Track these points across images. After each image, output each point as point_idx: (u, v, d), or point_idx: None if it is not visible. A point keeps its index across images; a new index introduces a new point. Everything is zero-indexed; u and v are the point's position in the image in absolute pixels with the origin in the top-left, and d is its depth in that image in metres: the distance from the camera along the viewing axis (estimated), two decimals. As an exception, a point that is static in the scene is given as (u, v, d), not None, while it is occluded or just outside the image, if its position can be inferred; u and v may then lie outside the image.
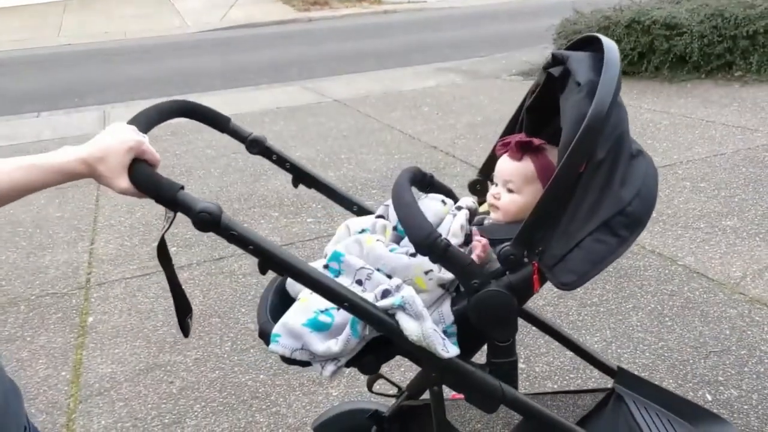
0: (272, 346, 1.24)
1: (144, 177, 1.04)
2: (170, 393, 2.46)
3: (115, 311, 3.05)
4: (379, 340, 1.22)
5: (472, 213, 1.41)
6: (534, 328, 2.22)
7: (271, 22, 14.11)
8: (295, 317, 1.25)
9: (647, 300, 2.84)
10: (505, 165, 1.35)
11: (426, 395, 1.54)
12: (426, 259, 1.23)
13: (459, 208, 1.41)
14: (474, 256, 1.21)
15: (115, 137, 1.04)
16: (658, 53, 6.50)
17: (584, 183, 1.15)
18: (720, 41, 6.25)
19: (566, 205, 1.16)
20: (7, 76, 9.83)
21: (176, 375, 2.56)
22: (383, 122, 5.98)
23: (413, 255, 1.27)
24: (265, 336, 1.28)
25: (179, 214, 1.09)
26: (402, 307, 1.16)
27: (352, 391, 2.39)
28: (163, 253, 1.15)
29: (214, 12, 15.32)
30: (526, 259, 1.18)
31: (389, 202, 1.45)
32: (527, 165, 1.32)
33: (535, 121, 1.44)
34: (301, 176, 1.55)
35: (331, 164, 4.86)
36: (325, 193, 1.58)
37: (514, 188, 1.32)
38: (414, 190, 1.32)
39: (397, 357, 1.32)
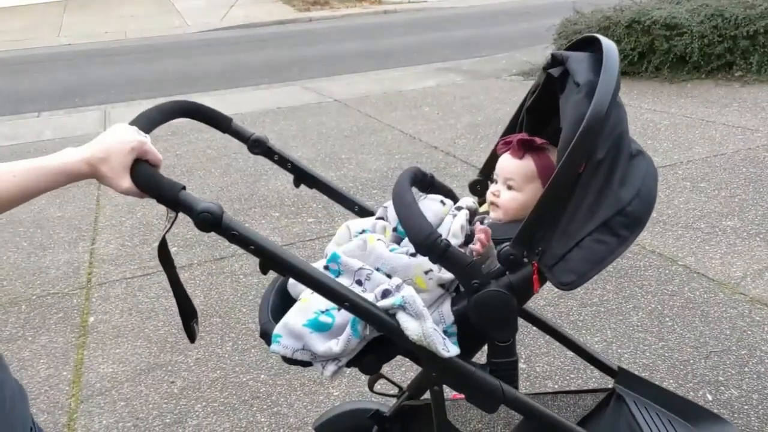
0: (273, 347, 1.25)
1: (146, 177, 1.05)
2: (171, 393, 2.46)
3: (116, 311, 3.05)
4: (380, 340, 1.23)
5: (473, 213, 1.42)
6: (534, 328, 2.23)
7: (272, 22, 14.11)
8: (295, 318, 1.25)
9: (648, 300, 2.84)
10: (507, 163, 1.35)
11: (427, 395, 1.55)
12: (426, 258, 1.23)
13: (459, 209, 1.41)
14: (476, 242, 1.21)
15: (117, 138, 1.04)
16: (659, 53, 6.49)
17: (584, 183, 1.16)
18: (720, 41, 6.25)
19: (566, 205, 1.16)
20: (8, 76, 9.84)
21: (177, 375, 2.56)
22: (384, 122, 5.98)
23: (413, 255, 1.27)
24: (266, 336, 1.28)
25: (180, 215, 1.09)
26: (402, 307, 1.16)
27: (353, 391, 2.40)
28: (164, 253, 1.15)
29: (214, 12, 15.33)
30: (525, 259, 1.18)
31: (388, 203, 1.46)
32: (528, 163, 1.32)
33: (535, 121, 1.45)
34: (302, 176, 1.55)
35: (331, 164, 4.87)
36: (326, 194, 1.58)
37: (515, 186, 1.33)
38: (414, 190, 1.32)
39: (398, 357, 1.32)
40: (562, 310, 2.81)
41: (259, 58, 10.18)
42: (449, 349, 1.18)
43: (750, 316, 2.67)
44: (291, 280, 1.35)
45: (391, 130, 5.71)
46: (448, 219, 1.38)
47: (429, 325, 1.16)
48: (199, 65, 9.95)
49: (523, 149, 1.32)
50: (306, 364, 1.26)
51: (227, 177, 4.76)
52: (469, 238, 1.36)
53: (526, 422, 1.41)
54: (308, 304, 1.28)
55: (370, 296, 1.21)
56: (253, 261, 3.27)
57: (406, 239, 1.33)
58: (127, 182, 1.04)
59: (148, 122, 1.17)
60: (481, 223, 1.39)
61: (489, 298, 1.16)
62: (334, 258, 1.31)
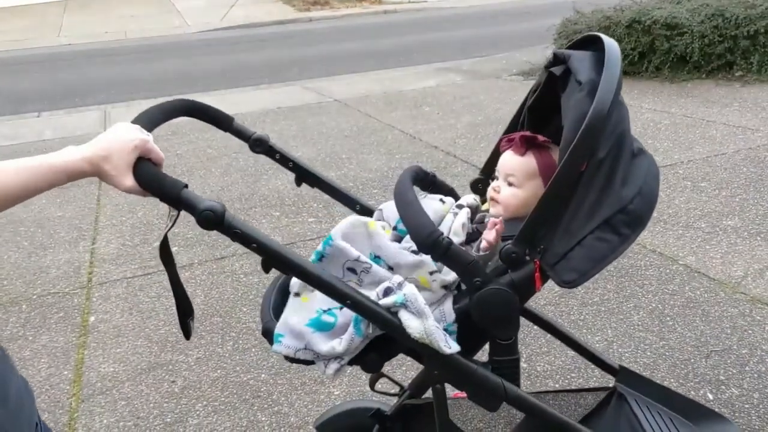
0: (275, 347, 1.25)
1: (148, 175, 1.05)
2: (172, 392, 2.46)
3: (117, 311, 3.05)
4: (382, 338, 1.23)
5: (474, 211, 1.42)
6: (535, 327, 2.23)
7: (272, 22, 14.11)
8: (297, 317, 1.25)
9: (648, 299, 2.84)
10: (508, 159, 1.35)
11: (428, 394, 1.55)
12: (430, 260, 1.23)
13: (460, 207, 1.41)
14: (491, 232, 1.21)
15: (119, 136, 1.04)
16: (659, 53, 6.50)
17: (585, 181, 1.16)
18: (721, 41, 6.25)
19: (568, 204, 1.17)
20: (8, 76, 9.84)
21: (178, 374, 2.56)
22: (384, 122, 5.98)
23: (415, 252, 1.27)
24: (268, 334, 1.28)
25: (182, 214, 1.09)
26: (404, 305, 1.16)
27: (354, 390, 2.40)
28: (165, 251, 1.15)
29: (214, 12, 15.33)
30: (527, 258, 1.18)
31: (383, 205, 1.46)
32: (530, 160, 1.32)
33: (537, 120, 1.45)
34: (303, 175, 1.55)
35: (332, 164, 4.87)
36: (327, 192, 1.58)
37: (516, 182, 1.33)
38: (416, 189, 1.32)
39: (400, 356, 1.32)
40: (563, 309, 2.81)
41: (259, 58, 10.18)
42: (451, 346, 1.18)
43: (751, 315, 2.67)
44: (293, 280, 1.35)
45: (392, 130, 5.71)
46: (449, 217, 1.38)
47: (431, 322, 1.16)
48: (199, 65, 9.95)
49: (526, 145, 1.33)
50: (308, 362, 1.26)
51: (228, 176, 4.76)
52: (470, 236, 1.36)
53: (527, 421, 1.41)
54: (309, 303, 1.28)
55: (371, 293, 1.21)
56: (254, 261, 3.31)
57: (406, 238, 1.33)
58: (129, 180, 1.04)
59: (150, 121, 1.17)
60: (482, 221, 1.39)
61: (491, 296, 1.17)
62: (327, 242, 1.29)
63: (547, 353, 2.52)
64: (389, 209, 1.44)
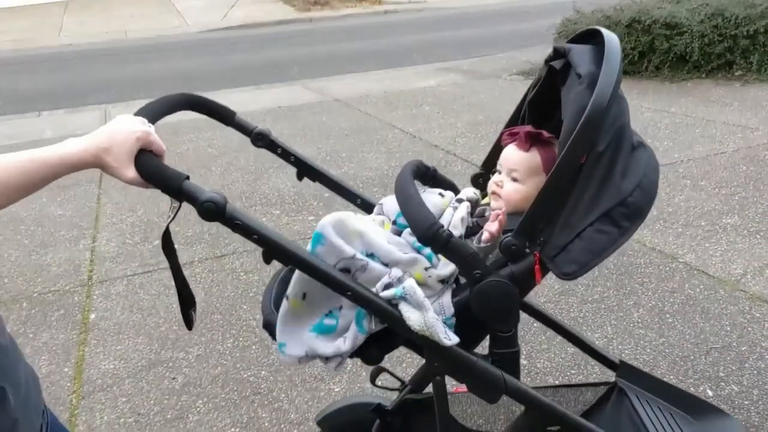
0: (282, 357, 1.26)
1: (150, 167, 1.05)
2: (172, 389, 2.47)
3: (117, 308, 3.05)
4: (382, 331, 1.23)
5: (474, 204, 1.42)
6: (536, 324, 2.23)
7: (272, 22, 14.11)
8: (299, 322, 1.25)
9: (648, 297, 2.85)
10: (512, 154, 1.35)
11: (429, 389, 1.55)
12: (425, 256, 1.23)
13: (460, 201, 1.41)
14: (494, 223, 1.22)
15: (121, 128, 1.05)
16: (659, 53, 6.51)
17: (585, 174, 1.16)
18: (720, 41, 6.27)
19: (567, 196, 1.17)
20: (9, 76, 9.84)
21: (178, 371, 2.57)
22: (384, 121, 5.99)
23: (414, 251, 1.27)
24: (269, 327, 1.29)
25: (183, 209, 1.09)
26: (404, 298, 1.17)
27: (354, 386, 2.40)
28: (167, 243, 1.15)
29: (214, 12, 15.33)
30: (527, 250, 1.18)
31: (383, 200, 1.46)
32: (534, 156, 1.32)
33: (538, 114, 1.45)
34: (305, 169, 1.55)
35: (332, 163, 4.87)
36: (328, 186, 1.58)
37: (519, 177, 1.33)
38: (417, 184, 1.32)
39: (400, 353, 1.33)
40: (563, 306, 2.81)
41: (260, 58, 10.19)
42: (450, 338, 1.18)
43: (750, 312, 2.67)
44: (290, 288, 1.34)
45: (392, 129, 5.71)
46: (449, 211, 1.38)
47: (431, 315, 1.16)
48: (200, 65, 9.96)
49: (530, 141, 1.33)
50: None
51: (228, 175, 4.77)
52: (470, 230, 1.36)
53: (525, 414, 1.41)
54: (309, 309, 1.26)
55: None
56: (254, 259, 3.31)
57: (406, 232, 1.33)
58: (131, 172, 1.04)
59: (152, 113, 1.18)
60: (482, 215, 1.40)
61: (491, 289, 1.17)
62: (318, 238, 1.24)
63: (547, 350, 2.52)
64: (389, 204, 1.44)
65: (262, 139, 1.49)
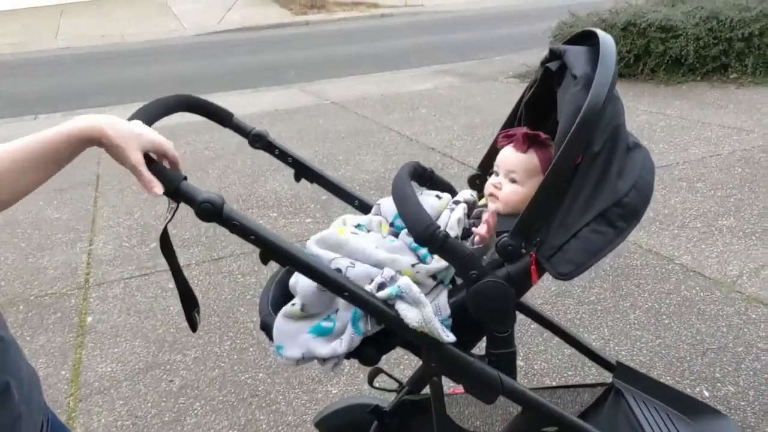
0: (279, 359, 1.27)
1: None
2: (170, 391, 2.46)
3: (114, 311, 3.05)
4: (379, 332, 1.24)
5: (471, 206, 1.42)
6: (533, 326, 2.24)
7: (269, 26, 14.13)
8: (296, 324, 1.26)
9: (645, 298, 2.85)
10: (510, 155, 1.35)
11: (426, 390, 1.55)
12: (409, 254, 1.24)
13: (457, 202, 1.42)
14: (482, 226, 1.22)
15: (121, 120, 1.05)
16: (654, 55, 6.53)
17: (581, 174, 1.17)
18: (715, 44, 6.29)
19: (563, 197, 1.17)
20: (5, 79, 9.84)
21: (176, 374, 2.56)
22: (381, 124, 6.00)
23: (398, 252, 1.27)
24: (266, 328, 1.29)
25: (180, 211, 1.09)
26: (400, 296, 1.17)
27: (351, 388, 2.40)
28: (165, 244, 1.15)
29: (211, 15, 15.35)
30: (524, 250, 1.19)
31: (381, 201, 1.47)
32: (532, 158, 1.33)
33: (534, 115, 1.46)
34: (303, 171, 1.56)
35: (329, 165, 4.87)
36: (326, 188, 1.59)
37: (518, 179, 1.33)
38: (414, 185, 1.33)
39: (398, 355, 1.33)
40: (560, 308, 2.82)
41: (257, 61, 10.20)
42: (449, 335, 1.19)
43: (746, 314, 2.68)
44: (291, 281, 1.35)
45: (389, 132, 5.72)
46: (446, 213, 1.38)
47: (428, 310, 1.17)
48: (197, 68, 9.96)
49: (528, 143, 1.33)
50: (307, 359, 1.27)
51: (225, 178, 4.77)
52: (466, 232, 1.37)
53: (522, 415, 1.41)
54: (306, 316, 1.27)
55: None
56: (251, 261, 3.31)
57: (403, 233, 1.34)
58: (137, 155, 1.03)
59: (149, 115, 1.18)
60: (478, 216, 1.40)
61: (487, 289, 1.17)
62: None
63: (544, 351, 2.53)
64: (386, 205, 1.44)
65: (259, 141, 1.50)
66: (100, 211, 4.33)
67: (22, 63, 11.27)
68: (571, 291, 2.92)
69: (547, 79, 1.38)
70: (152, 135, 1.07)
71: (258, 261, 1.17)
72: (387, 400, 1.73)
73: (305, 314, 1.26)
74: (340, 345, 1.22)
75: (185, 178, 1.06)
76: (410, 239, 1.27)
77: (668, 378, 2.33)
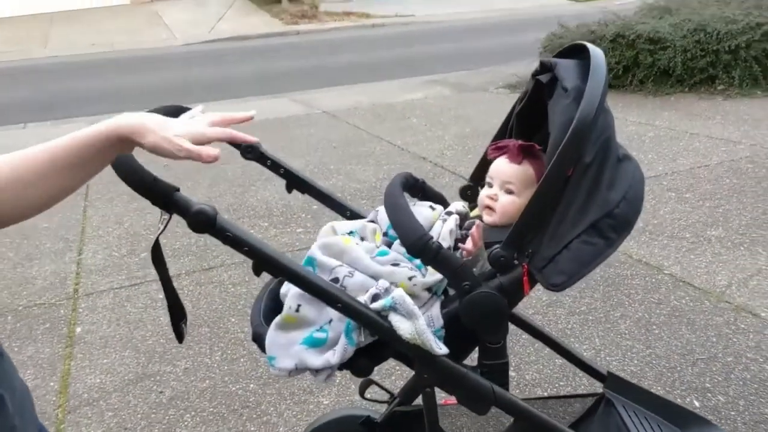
0: (272, 370, 1.27)
1: (140, 179, 1.05)
2: (160, 403, 2.44)
3: (104, 321, 3.03)
4: (372, 343, 1.24)
5: (463, 217, 1.43)
6: (524, 336, 2.24)
7: (259, 35, 14.15)
8: (289, 335, 1.25)
9: (635, 308, 2.87)
10: (504, 167, 1.36)
11: (418, 401, 1.55)
12: (407, 266, 1.24)
13: (449, 214, 1.43)
14: (468, 242, 1.23)
15: None
16: (643, 67, 6.60)
17: (572, 186, 1.18)
18: (703, 56, 6.36)
19: (555, 208, 1.18)
20: (-6, 88, 9.79)
21: (166, 385, 2.55)
22: (372, 133, 6.01)
23: (395, 265, 1.27)
24: (259, 340, 1.29)
25: (170, 221, 1.09)
26: (393, 308, 1.17)
27: (343, 399, 2.39)
28: (157, 255, 1.15)
29: (201, 25, 15.34)
30: (516, 262, 1.19)
31: (380, 208, 1.47)
32: (527, 168, 1.34)
33: (525, 127, 1.47)
34: (295, 182, 1.56)
35: (320, 175, 4.87)
36: (318, 198, 1.59)
37: (515, 189, 1.33)
38: (406, 196, 1.34)
39: (389, 366, 1.33)
40: (551, 318, 2.83)
41: (247, 71, 10.20)
42: (441, 347, 1.19)
43: (735, 323, 2.70)
44: (283, 290, 1.35)
45: (380, 142, 5.74)
46: (438, 224, 1.39)
47: (421, 322, 1.17)
48: (187, 78, 9.95)
49: (522, 154, 1.34)
50: (300, 370, 1.27)
51: (216, 187, 4.76)
52: (458, 243, 1.37)
53: (514, 425, 1.41)
54: (300, 322, 1.27)
55: (359, 300, 1.21)
56: (242, 271, 3.30)
57: (396, 243, 1.34)
58: (176, 128, 0.99)
59: None
60: (470, 227, 1.40)
61: (480, 300, 1.18)
62: (310, 262, 1.29)
63: (535, 362, 2.53)
64: (384, 213, 1.45)
65: (252, 152, 1.50)
66: (90, 220, 4.31)
67: (11, 71, 11.22)
68: (562, 301, 2.93)
69: (538, 91, 1.39)
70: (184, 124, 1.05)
71: (248, 271, 1.17)
72: (378, 411, 1.72)
73: (300, 316, 1.25)
74: (333, 356, 1.22)
75: (178, 190, 1.06)
76: (404, 249, 1.27)
77: (659, 388, 2.34)
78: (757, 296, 2.88)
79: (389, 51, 11.43)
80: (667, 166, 4.59)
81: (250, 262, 1.14)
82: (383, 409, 1.70)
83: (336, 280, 1.23)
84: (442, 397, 1.41)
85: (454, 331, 1.24)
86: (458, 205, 1.46)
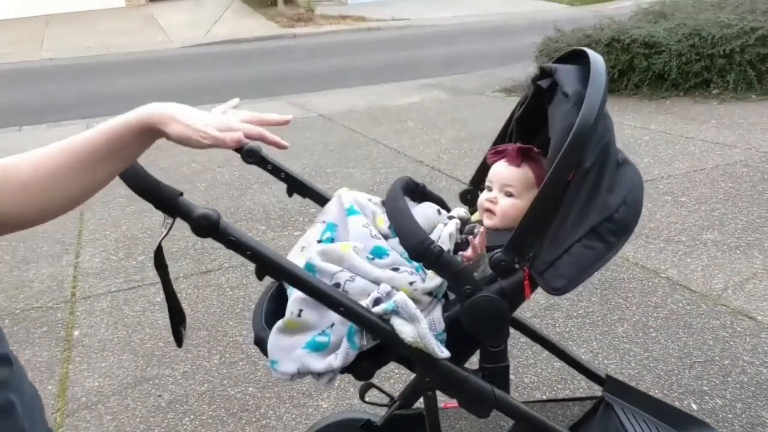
0: (274, 374, 1.27)
1: (143, 183, 1.06)
2: (158, 406, 2.44)
3: (102, 325, 3.03)
4: (374, 346, 1.24)
5: (464, 222, 1.44)
6: (522, 339, 2.25)
7: (256, 38, 14.15)
8: (291, 339, 1.26)
9: (632, 312, 2.88)
10: (504, 170, 1.37)
11: (418, 404, 1.56)
12: (406, 271, 1.24)
13: (450, 218, 1.43)
14: (468, 252, 1.24)
15: None
16: (638, 71, 6.62)
17: (573, 190, 1.19)
18: (698, 60, 6.39)
19: (555, 212, 1.19)
20: (-11, 91, 9.76)
21: (164, 388, 2.54)
22: (369, 137, 6.02)
23: (395, 269, 1.28)
24: (260, 343, 1.29)
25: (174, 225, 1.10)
26: (396, 312, 1.18)
27: (342, 402, 2.39)
28: (159, 259, 1.16)
29: (197, 28, 15.34)
30: (517, 266, 1.20)
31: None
32: (526, 171, 1.35)
33: (525, 131, 1.48)
34: (295, 186, 1.56)
35: (317, 178, 4.87)
36: (318, 202, 1.59)
37: (515, 192, 1.34)
38: (407, 200, 1.34)
39: (389, 369, 1.34)
40: (549, 321, 2.84)
41: (244, 74, 10.21)
42: (443, 350, 1.20)
43: (732, 327, 2.71)
44: (288, 307, 1.34)
45: (376, 145, 5.74)
46: (439, 227, 1.39)
47: (424, 326, 1.17)
48: (183, 80, 9.95)
49: (521, 157, 1.35)
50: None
51: (212, 191, 4.75)
52: (458, 247, 1.38)
53: (514, 429, 1.42)
54: (303, 327, 1.27)
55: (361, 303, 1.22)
56: (240, 274, 3.31)
57: (395, 241, 1.34)
58: (206, 118, 0.98)
59: None
60: (471, 232, 1.41)
61: (481, 304, 1.19)
62: (310, 268, 1.28)
63: (533, 365, 2.54)
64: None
65: (252, 156, 1.50)
66: (87, 223, 4.30)
67: (6, 74, 11.19)
68: (560, 304, 2.94)
69: (538, 96, 1.40)
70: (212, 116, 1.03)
71: (246, 274, 1.18)
72: (378, 414, 1.73)
73: (301, 321, 1.25)
74: (336, 360, 1.22)
75: (181, 194, 1.07)
76: (402, 249, 1.27)
77: (657, 391, 2.35)
78: (753, 299, 2.90)
79: (385, 54, 11.44)
80: (663, 169, 4.61)
81: (248, 265, 1.15)
82: (383, 412, 1.71)
83: (338, 285, 1.24)
84: (442, 400, 1.42)
85: (456, 335, 1.25)
86: (460, 210, 1.47)
